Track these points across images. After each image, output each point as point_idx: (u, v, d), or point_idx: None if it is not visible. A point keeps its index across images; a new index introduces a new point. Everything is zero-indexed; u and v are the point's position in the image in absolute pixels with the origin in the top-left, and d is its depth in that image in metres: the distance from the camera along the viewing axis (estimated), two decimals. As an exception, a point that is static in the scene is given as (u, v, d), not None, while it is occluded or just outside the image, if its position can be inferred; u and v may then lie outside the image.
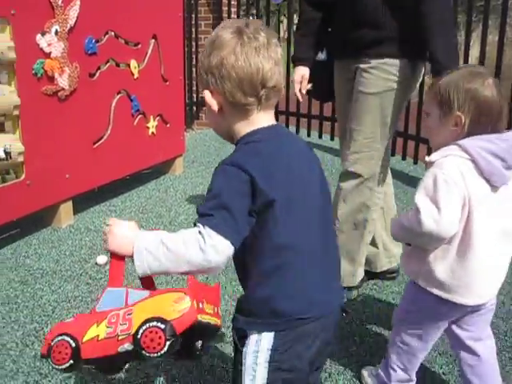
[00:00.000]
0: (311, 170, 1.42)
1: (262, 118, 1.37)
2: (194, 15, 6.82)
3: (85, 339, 1.33)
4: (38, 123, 3.27)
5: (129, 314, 1.30)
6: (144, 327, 1.26)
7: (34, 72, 3.19)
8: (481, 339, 1.85)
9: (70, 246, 3.32)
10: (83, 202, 3.88)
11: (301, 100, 2.79)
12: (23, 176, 3.25)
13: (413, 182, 4.70)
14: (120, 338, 1.29)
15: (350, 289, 2.70)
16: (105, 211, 3.92)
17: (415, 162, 5.23)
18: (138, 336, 1.26)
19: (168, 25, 4.46)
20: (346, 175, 2.56)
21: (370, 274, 2.85)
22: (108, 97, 3.88)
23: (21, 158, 3.18)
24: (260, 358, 1.33)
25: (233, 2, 6.82)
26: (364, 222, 2.60)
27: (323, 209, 1.40)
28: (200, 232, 1.25)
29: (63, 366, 1.35)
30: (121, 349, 1.30)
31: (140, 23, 4.11)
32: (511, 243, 1.73)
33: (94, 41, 3.61)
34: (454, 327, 1.83)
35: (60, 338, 1.36)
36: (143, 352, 1.25)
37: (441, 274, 1.69)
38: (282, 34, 12.82)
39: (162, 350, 1.25)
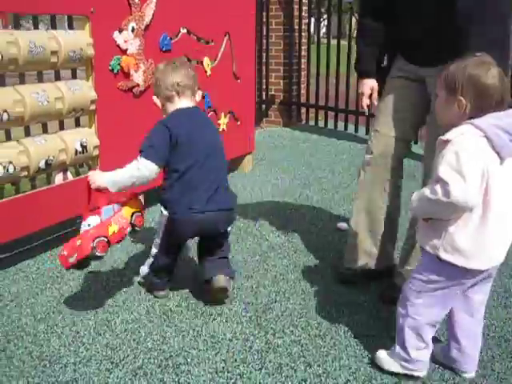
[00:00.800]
0: (204, 129, 2.53)
1: (181, 103, 2.51)
2: (264, 13, 6.83)
3: (109, 234, 2.35)
4: (113, 118, 3.34)
5: (120, 216, 2.43)
6: (133, 216, 2.47)
7: (110, 68, 3.27)
8: (484, 303, 2.06)
9: (140, 237, 3.35)
10: (153, 198, 3.93)
11: (366, 113, 2.88)
12: (98, 169, 3.33)
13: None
14: (124, 227, 2.43)
15: None
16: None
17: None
18: (132, 221, 2.46)
19: (241, 23, 4.48)
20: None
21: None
22: (181, 93, 3.93)
23: (96, 152, 3.26)
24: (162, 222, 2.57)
25: (304, 1, 6.80)
26: None
27: (212, 151, 2.51)
28: (138, 160, 2.40)
29: (104, 254, 2.33)
30: (127, 231, 2.45)
31: (213, 21, 4.14)
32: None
33: (168, 38, 3.67)
34: (469, 292, 2.00)
35: (98, 239, 2.30)
36: (136, 228, 2.49)
37: (462, 242, 1.83)
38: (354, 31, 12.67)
39: (142, 224, 2.53)
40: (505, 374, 2.11)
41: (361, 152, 5.66)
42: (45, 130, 3.64)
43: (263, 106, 7.13)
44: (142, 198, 2.61)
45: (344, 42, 6.91)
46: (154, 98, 2.54)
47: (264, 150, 5.62)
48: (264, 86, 7.05)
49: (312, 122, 6.96)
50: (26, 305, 2.60)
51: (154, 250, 2.64)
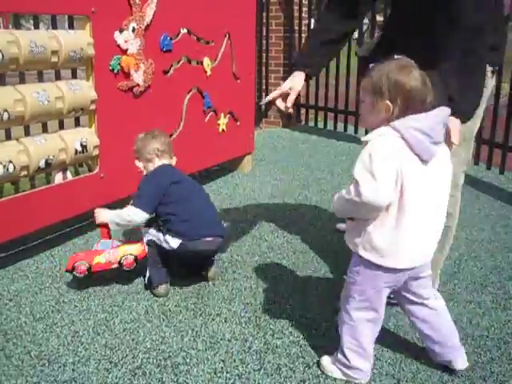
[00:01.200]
0: (183, 175, 2.88)
1: (161, 162, 2.85)
2: (265, 14, 6.83)
3: (94, 263, 2.68)
4: (113, 118, 3.35)
5: (113, 252, 2.72)
6: (125, 257, 2.71)
7: (110, 68, 3.27)
8: (429, 298, 2.08)
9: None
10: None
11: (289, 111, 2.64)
12: (97, 169, 3.33)
13: (484, 187, 4.57)
14: (112, 262, 2.71)
15: None
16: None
17: (488, 168, 5.08)
18: (122, 261, 2.71)
19: (241, 23, 4.48)
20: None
21: None
22: (181, 93, 3.94)
23: (96, 152, 3.26)
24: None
25: (304, 2, 6.80)
26: (446, 230, 2.48)
27: (202, 192, 2.92)
28: (128, 209, 2.69)
29: (82, 276, 2.67)
30: (112, 267, 2.71)
31: (214, 21, 4.15)
32: (440, 216, 1.98)
33: (169, 38, 3.67)
34: (403, 293, 2.07)
35: (80, 262, 2.66)
36: (124, 268, 2.71)
37: (378, 241, 1.89)
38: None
39: (132, 266, 2.72)
40: (504, 376, 2.12)
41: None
42: (44, 130, 3.65)
43: (263, 106, 7.13)
44: (143, 245, 2.80)
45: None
46: (136, 161, 2.88)
47: (263, 151, 5.62)
48: (264, 87, 7.05)
49: (312, 123, 6.97)
50: (25, 304, 2.60)
51: (148, 238, 2.81)
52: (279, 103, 2.50)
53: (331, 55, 2.67)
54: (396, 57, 1.90)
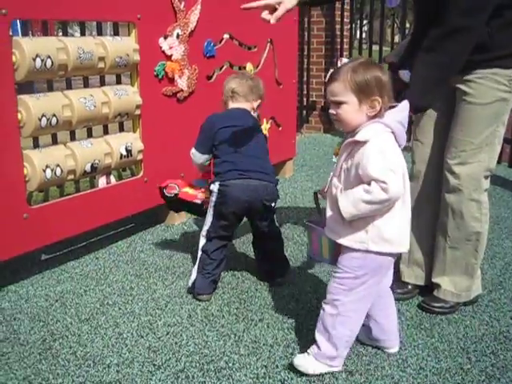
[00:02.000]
0: (246, 124, 2.79)
1: (233, 105, 2.85)
2: (306, 19, 6.83)
3: (183, 190, 2.87)
4: (158, 123, 3.39)
5: (202, 191, 2.87)
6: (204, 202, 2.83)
7: (155, 73, 3.31)
8: (388, 285, 2.21)
9: (183, 243, 3.41)
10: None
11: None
12: (141, 173, 3.38)
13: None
14: (197, 197, 2.85)
15: (465, 304, 2.62)
16: (215, 211, 4.00)
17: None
18: (202, 200, 2.85)
19: (283, 29, 4.48)
20: (451, 189, 2.49)
21: None
22: (223, 99, 3.96)
23: (140, 156, 3.31)
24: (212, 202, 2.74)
25: (346, 7, 6.78)
26: (476, 235, 2.52)
27: (255, 141, 2.77)
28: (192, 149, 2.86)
29: (169, 195, 2.89)
30: (195, 200, 2.85)
31: (257, 27, 4.15)
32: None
33: (212, 44, 3.71)
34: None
35: (172, 184, 2.89)
36: (203, 209, 2.81)
37: (390, 232, 1.96)
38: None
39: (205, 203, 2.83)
40: None
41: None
42: (89, 135, 3.72)
43: (304, 111, 7.13)
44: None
45: (386, 48, 6.87)
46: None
47: (305, 156, 5.61)
48: (305, 92, 7.05)
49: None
50: (70, 305, 2.65)
51: (202, 241, 2.76)
52: (264, 15, 2.48)
53: None
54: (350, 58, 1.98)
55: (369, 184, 1.88)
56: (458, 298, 2.59)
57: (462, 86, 2.40)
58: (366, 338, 2.27)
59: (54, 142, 3.64)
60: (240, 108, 2.84)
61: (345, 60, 2.00)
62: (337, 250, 2.12)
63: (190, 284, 2.78)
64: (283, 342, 2.33)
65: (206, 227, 2.75)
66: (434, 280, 2.65)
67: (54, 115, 2.75)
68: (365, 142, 1.90)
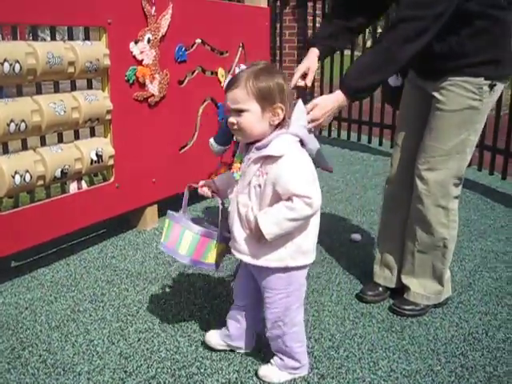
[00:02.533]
0: None
1: None
2: (278, 24, 6.87)
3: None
4: (129, 128, 3.37)
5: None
6: None
7: (126, 78, 3.29)
8: None
9: (155, 248, 3.40)
10: (168, 205, 3.95)
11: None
12: (112, 178, 3.36)
13: (500, 198, 4.55)
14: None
15: (435, 306, 2.66)
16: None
17: (504, 178, 5.05)
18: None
19: (255, 34, 4.51)
20: (419, 194, 2.52)
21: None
22: (195, 104, 3.96)
23: (111, 161, 3.29)
24: None
25: (318, 12, 6.82)
26: (444, 241, 2.56)
27: None
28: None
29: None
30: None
31: (228, 32, 4.17)
32: None
33: (184, 49, 3.70)
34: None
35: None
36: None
37: (307, 244, 1.94)
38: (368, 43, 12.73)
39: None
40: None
41: (374, 163, 5.68)
42: (60, 140, 3.68)
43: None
44: None
45: (357, 53, 6.92)
46: None
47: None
48: (277, 97, 7.07)
49: (325, 133, 6.97)
50: (40, 312, 2.61)
51: None
52: (300, 83, 2.51)
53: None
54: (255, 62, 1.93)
55: (289, 200, 1.82)
56: (427, 301, 2.63)
57: (435, 93, 2.43)
58: (227, 340, 2.25)
59: (24, 147, 3.60)
60: None
61: (243, 66, 1.96)
62: (198, 251, 2.09)
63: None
64: (255, 347, 2.33)
65: None
66: (404, 281, 2.68)
67: (23, 120, 2.72)
68: (278, 158, 1.83)
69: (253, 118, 1.85)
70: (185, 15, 3.67)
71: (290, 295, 2.00)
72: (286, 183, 1.81)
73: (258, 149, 1.88)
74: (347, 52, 6.52)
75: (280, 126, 1.88)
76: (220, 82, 4.15)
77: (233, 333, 2.22)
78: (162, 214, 3.84)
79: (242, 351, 2.26)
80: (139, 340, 2.39)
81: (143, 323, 2.52)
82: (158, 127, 3.58)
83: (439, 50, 2.34)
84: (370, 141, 6.52)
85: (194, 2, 3.82)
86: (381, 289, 2.77)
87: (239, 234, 1.96)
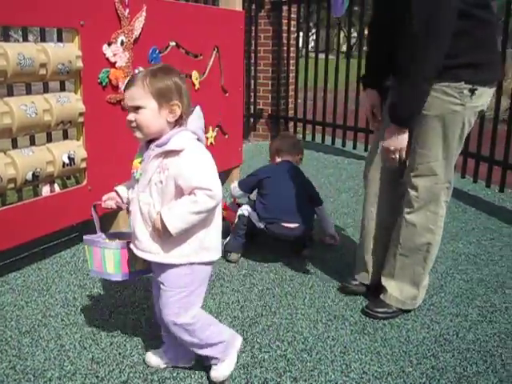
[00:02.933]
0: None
1: (279, 158, 3.62)
2: (253, 27, 6.88)
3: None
4: (101, 131, 3.34)
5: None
6: None
7: (99, 81, 3.27)
8: None
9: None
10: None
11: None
12: (85, 181, 3.33)
13: (471, 201, 4.60)
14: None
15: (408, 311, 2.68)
16: (162, 219, 3.97)
17: (474, 181, 5.12)
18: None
19: (229, 37, 4.51)
20: (409, 199, 2.54)
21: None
22: (169, 106, 3.94)
23: (83, 164, 3.25)
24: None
25: (292, 16, 6.85)
26: (427, 246, 2.58)
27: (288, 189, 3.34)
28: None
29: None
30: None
31: (202, 35, 4.17)
32: None
33: (157, 51, 3.69)
34: None
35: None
36: None
37: (210, 240, 1.96)
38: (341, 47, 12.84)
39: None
40: (489, 389, 2.13)
41: (347, 166, 5.72)
42: (32, 142, 3.64)
43: (251, 119, 7.16)
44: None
45: (332, 57, 6.98)
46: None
47: (251, 164, 5.62)
48: (252, 100, 7.09)
49: (299, 136, 6.99)
50: (10, 317, 2.58)
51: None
52: (374, 124, 2.76)
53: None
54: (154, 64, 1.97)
55: (191, 194, 1.84)
56: (402, 305, 2.65)
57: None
58: (166, 360, 2.21)
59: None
60: (286, 161, 3.52)
61: (141, 69, 1.98)
62: (123, 265, 2.07)
63: (224, 247, 3.23)
64: (228, 350, 2.33)
65: (241, 212, 3.36)
66: (383, 283, 2.71)
67: (-7, 123, 2.68)
68: (179, 152, 1.86)
69: (150, 115, 1.88)
70: (159, 17, 3.65)
71: (192, 293, 1.98)
72: (187, 177, 1.84)
73: (158, 146, 1.90)
74: (321, 56, 6.56)
75: (178, 124, 1.91)
76: (194, 85, 4.14)
77: (168, 349, 2.20)
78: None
79: (182, 365, 2.21)
80: (111, 344, 2.37)
81: (116, 328, 2.50)
82: (131, 130, 3.55)
83: None
84: (344, 144, 6.56)
85: (168, 5, 3.81)
86: (358, 282, 2.84)
87: (141, 232, 1.95)
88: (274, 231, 3.24)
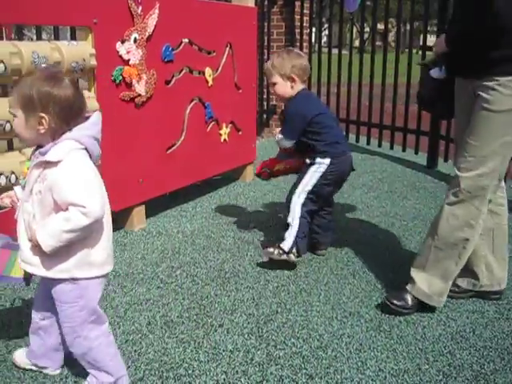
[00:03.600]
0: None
1: (302, 85, 3.24)
2: (266, 23, 6.86)
3: (274, 170, 3.34)
4: (115, 128, 3.35)
5: (287, 163, 3.37)
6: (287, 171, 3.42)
7: (112, 78, 3.28)
8: None
9: (142, 249, 3.38)
10: (155, 206, 3.96)
11: None
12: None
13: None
14: (287, 169, 3.36)
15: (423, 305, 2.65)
16: (176, 216, 3.98)
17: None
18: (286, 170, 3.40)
19: (242, 33, 4.50)
20: (454, 191, 2.47)
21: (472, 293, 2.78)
22: (183, 104, 3.95)
23: (97, 162, 3.25)
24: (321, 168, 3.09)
25: (305, 11, 6.83)
26: (464, 242, 2.51)
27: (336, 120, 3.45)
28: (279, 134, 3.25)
29: (266, 179, 3.42)
30: (287, 173, 3.41)
31: (215, 31, 4.16)
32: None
33: (170, 48, 3.69)
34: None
35: (264, 169, 3.34)
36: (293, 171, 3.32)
37: (98, 255, 1.87)
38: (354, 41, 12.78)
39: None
40: (507, 386, 2.11)
41: (361, 162, 5.69)
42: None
43: (264, 115, 7.15)
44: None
45: (345, 52, 6.95)
46: (275, 77, 3.19)
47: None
48: (265, 96, 7.07)
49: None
50: (27, 314, 2.58)
51: (302, 203, 3.10)
52: None
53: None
54: (43, 66, 1.84)
55: (66, 210, 1.74)
56: (428, 300, 2.59)
57: (481, 92, 2.38)
58: (28, 361, 2.16)
59: (10, 148, 3.56)
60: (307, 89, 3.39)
61: (44, 66, 1.87)
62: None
63: (285, 248, 3.06)
64: (243, 348, 2.33)
65: (306, 193, 3.11)
66: (412, 274, 2.63)
67: (8, 121, 2.69)
68: (57, 163, 1.74)
69: (20, 124, 1.79)
70: (172, 15, 3.65)
71: (82, 309, 1.91)
72: (60, 190, 1.74)
73: (42, 154, 1.79)
74: (334, 51, 6.53)
75: (62, 133, 1.79)
76: (207, 82, 4.13)
77: (35, 349, 2.12)
78: (149, 214, 3.83)
79: (49, 372, 2.14)
80: (126, 342, 2.38)
81: (131, 325, 2.51)
82: (144, 127, 3.57)
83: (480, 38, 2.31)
84: (357, 140, 6.53)
85: (181, 2, 3.81)
86: (409, 299, 2.65)
87: (24, 243, 1.86)
88: (346, 168, 3.19)
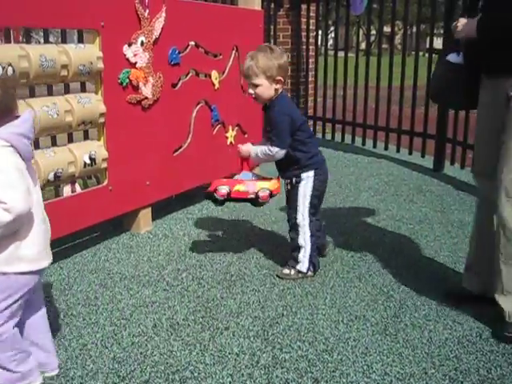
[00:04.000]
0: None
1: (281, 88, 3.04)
2: (272, 26, 6.87)
3: (234, 190, 2.93)
4: (122, 131, 3.36)
5: (252, 184, 2.95)
6: (261, 190, 2.93)
7: (119, 81, 3.29)
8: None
9: (148, 251, 3.39)
10: (162, 208, 3.97)
11: None
12: (106, 181, 3.35)
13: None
14: (249, 192, 2.93)
15: (430, 308, 2.63)
16: (182, 218, 3.99)
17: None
18: (259, 193, 2.93)
19: (249, 36, 4.51)
20: (503, 205, 2.35)
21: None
22: (189, 106, 3.96)
23: (104, 164, 3.28)
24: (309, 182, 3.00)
25: (311, 14, 6.83)
26: (505, 242, 2.39)
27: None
28: (272, 146, 2.96)
29: (221, 198, 2.94)
30: (249, 196, 2.95)
31: (222, 34, 4.18)
32: (42, 209, 2.01)
33: (177, 51, 3.70)
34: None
35: (221, 187, 2.93)
36: (260, 200, 2.95)
37: (29, 249, 1.89)
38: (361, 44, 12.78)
39: (267, 200, 2.97)
40: (514, 391, 2.10)
41: (368, 165, 5.68)
42: (53, 143, 3.67)
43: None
44: (279, 183, 3.07)
45: (351, 54, 6.95)
46: (258, 80, 2.92)
47: (271, 163, 5.62)
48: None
49: (319, 135, 6.98)
50: (33, 317, 2.60)
51: (307, 224, 3.02)
52: None
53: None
54: None
55: None
56: None
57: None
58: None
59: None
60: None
61: None
62: None
63: (304, 270, 3.03)
64: (249, 351, 2.33)
65: (307, 209, 3.02)
66: (496, 298, 2.47)
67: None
68: None
69: None
70: (178, 18, 3.67)
71: (3, 300, 1.89)
72: None
73: None
74: (341, 54, 6.53)
75: None
76: (214, 85, 4.14)
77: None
78: (155, 217, 3.84)
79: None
80: (133, 344, 2.38)
81: (137, 327, 2.51)
82: (151, 130, 3.58)
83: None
84: (364, 143, 6.53)
85: (188, 5, 3.83)
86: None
87: None
88: (327, 173, 3.12)
